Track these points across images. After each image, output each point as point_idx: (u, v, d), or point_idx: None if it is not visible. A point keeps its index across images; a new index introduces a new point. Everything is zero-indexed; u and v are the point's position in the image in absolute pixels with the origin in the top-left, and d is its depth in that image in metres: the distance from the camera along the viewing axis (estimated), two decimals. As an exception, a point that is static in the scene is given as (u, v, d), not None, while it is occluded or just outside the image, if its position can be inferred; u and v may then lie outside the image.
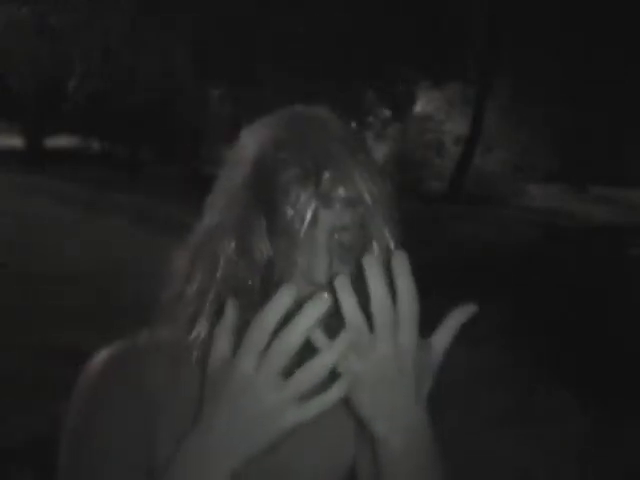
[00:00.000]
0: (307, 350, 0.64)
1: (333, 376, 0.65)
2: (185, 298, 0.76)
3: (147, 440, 0.76)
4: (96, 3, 12.54)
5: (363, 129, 14.65)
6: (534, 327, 5.67)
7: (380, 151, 15.10)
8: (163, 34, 12.54)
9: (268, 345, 0.63)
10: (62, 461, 0.76)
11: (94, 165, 14.46)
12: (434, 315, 0.75)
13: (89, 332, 3.75)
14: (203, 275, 0.75)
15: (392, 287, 0.65)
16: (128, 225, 8.85)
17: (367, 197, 0.72)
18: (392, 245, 0.73)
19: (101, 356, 0.78)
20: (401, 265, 0.65)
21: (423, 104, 16.93)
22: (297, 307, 0.62)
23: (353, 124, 0.80)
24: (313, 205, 0.70)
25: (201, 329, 0.74)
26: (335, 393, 0.65)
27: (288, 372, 0.63)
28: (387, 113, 16.35)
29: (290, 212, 0.70)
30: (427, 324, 0.73)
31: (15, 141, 15.74)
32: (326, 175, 0.71)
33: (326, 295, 0.63)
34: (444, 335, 0.71)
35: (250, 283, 0.72)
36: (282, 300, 0.62)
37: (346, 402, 0.67)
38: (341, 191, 0.71)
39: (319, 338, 0.65)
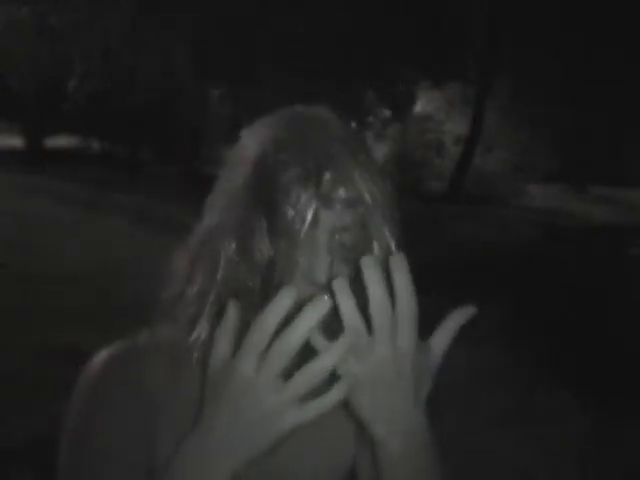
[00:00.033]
0: (307, 352, 0.64)
1: (332, 378, 0.65)
2: (186, 299, 0.76)
3: (147, 440, 0.76)
4: (96, 3, 12.54)
5: (363, 129, 14.65)
6: (534, 327, 5.67)
7: (380, 151, 15.10)
8: (163, 34, 12.55)
9: (268, 347, 0.63)
10: (62, 461, 0.76)
11: (94, 165, 14.46)
12: (434, 316, 0.75)
13: (89, 332, 3.75)
14: (204, 276, 0.75)
15: (391, 288, 0.65)
16: (128, 225, 8.85)
17: (367, 197, 0.72)
18: (393, 245, 0.73)
19: (101, 356, 0.78)
20: (399, 267, 0.65)
21: (423, 104, 16.93)
22: (297, 308, 0.62)
23: (353, 124, 0.80)
24: (314, 206, 0.70)
25: (202, 330, 0.74)
26: (334, 395, 0.65)
27: (288, 374, 0.63)
28: (387, 113, 16.35)
29: (291, 213, 0.70)
30: (427, 325, 0.73)
31: (15, 141, 15.74)
32: (327, 176, 0.71)
33: (326, 297, 0.63)
34: (443, 337, 0.71)
35: (251, 284, 0.71)
36: (282, 302, 0.62)
37: (346, 404, 0.67)
38: (342, 192, 0.71)
39: (318, 341, 0.65)
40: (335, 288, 0.64)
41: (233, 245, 0.72)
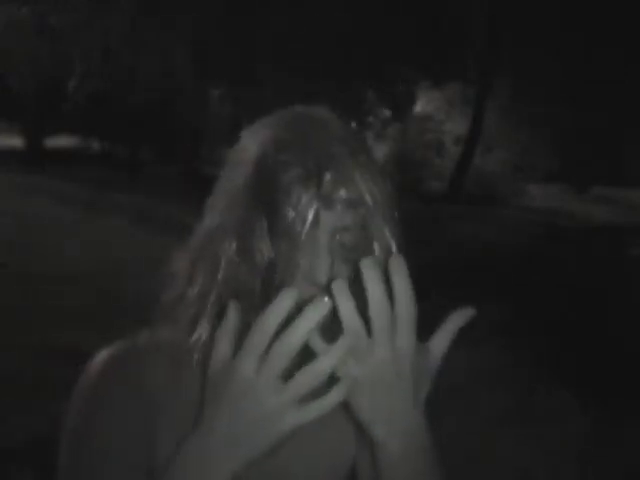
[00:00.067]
0: (307, 353, 0.64)
1: (332, 380, 0.65)
2: (186, 300, 0.76)
3: (147, 440, 0.76)
4: (96, 3, 12.55)
5: (363, 129, 14.65)
6: (534, 327, 5.67)
7: (380, 151, 15.10)
8: (163, 34, 12.55)
9: (269, 348, 0.63)
10: (62, 461, 0.76)
11: (94, 165, 14.46)
12: (433, 316, 0.75)
13: (89, 332, 3.75)
14: (204, 277, 0.75)
15: (391, 290, 0.65)
16: (128, 225, 8.85)
17: (368, 198, 0.72)
18: (393, 245, 0.73)
19: (101, 356, 0.78)
20: (398, 269, 0.65)
21: (423, 104, 16.94)
22: (298, 309, 0.62)
23: (353, 124, 0.80)
24: (314, 206, 0.70)
25: (202, 331, 0.74)
26: (334, 397, 0.65)
27: (288, 375, 0.63)
28: (387, 113, 16.36)
29: (291, 213, 0.70)
30: (426, 326, 0.73)
31: (15, 141, 15.75)
32: (327, 176, 0.70)
33: (326, 298, 0.63)
34: (442, 339, 0.71)
35: (251, 285, 0.71)
36: (283, 303, 0.62)
37: (346, 405, 0.68)
38: (342, 192, 0.71)
39: (317, 343, 0.65)
40: (334, 290, 0.64)
41: (234, 246, 0.72)
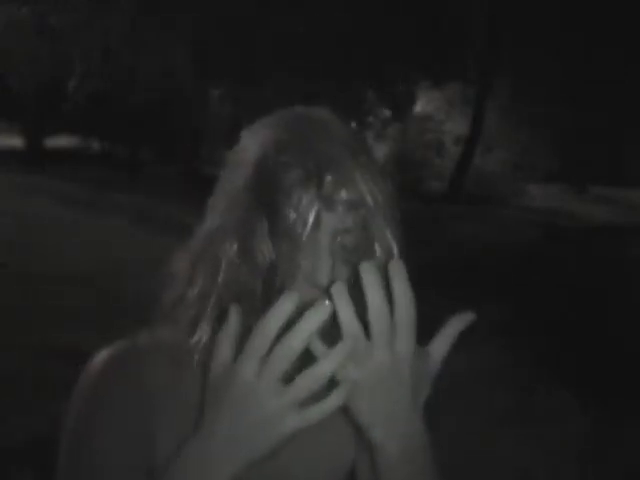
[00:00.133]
0: (308, 356, 0.64)
1: (332, 383, 0.65)
2: (187, 301, 0.76)
3: (147, 440, 0.76)
4: (96, 3, 12.55)
5: (363, 129, 14.66)
6: (534, 327, 5.67)
7: (380, 151, 15.10)
8: (163, 34, 12.55)
9: (269, 351, 0.63)
10: (62, 461, 0.76)
11: (94, 165, 14.47)
12: (434, 317, 0.75)
13: (89, 332, 3.76)
14: (205, 278, 0.74)
15: (390, 294, 0.65)
16: (128, 225, 8.85)
17: (369, 199, 0.72)
18: (394, 247, 0.73)
19: (101, 356, 0.78)
20: (398, 273, 0.65)
21: (423, 104, 16.94)
22: (298, 312, 0.62)
23: (353, 124, 0.80)
24: (315, 208, 0.70)
25: (202, 333, 0.74)
26: (334, 400, 0.65)
27: (289, 378, 0.63)
28: (387, 113, 16.36)
29: (292, 215, 0.70)
30: (427, 326, 0.73)
31: (15, 141, 15.75)
32: (328, 178, 0.70)
33: (327, 302, 0.63)
34: (442, 343, 0.71)
35: (252, 287, 0.71)
36: (284, 306, 0.62)
37: (345, 409, 0.68)
38: (343, 194, 0.71)
39: (317, 346, 0.65)
40: (334, 293, 0.64)
41: (234, 247, 0.72)
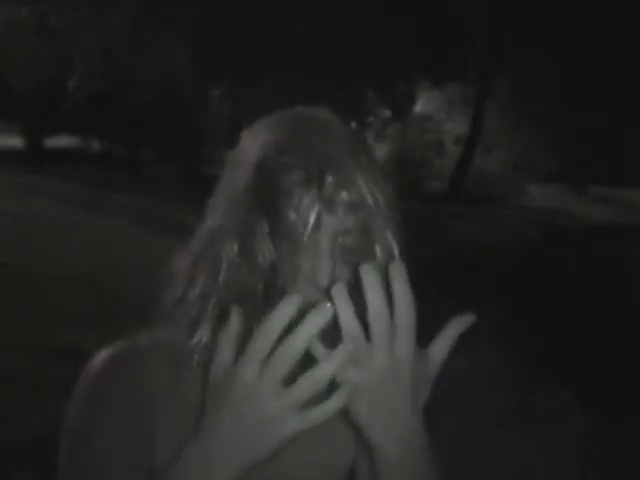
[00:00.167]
0: (309, 358, 0.64)
1: (332, 385, 0.65)
2: (187, 301, 0.76)
3: (147, 440, 0.76)
4: (96, 3, 12.55)
5: (363, 129, 14.66)
6: (534, 327, 5.67)
7: (380, 151, 15.10)
8: (163, 34, 12.55)
9: (270, 353, 0.63)
10: (62, 461, 0.76)
11: (94, 165, 14.47)
12: (434, 317, 0.75)
13: (89, 332, 3.76)
14: (205, 278, 0.74)
15: (390, 296, 0.65)
16: (128, 225, 8.85)
17: (370, 200, 0.72)
18: (395, 248, 0.73)
19: (101, 356, 0.78)
20: (399, 275, 0.65)
21: (423, 104, 16.94)
22: (300, 313, 0.62)
23: (353, 124, 0.80)
24: (316, 209, 0.70)
25: (203, 333, 0.74)
26: (335, 403, 0.65)
27: (290, 380, 0.63)
28: (387, 113, 16.36)
29: (293, 216, 0.70)
30: (427, 327, 0.73)
31: (15, 141, 15.75)
32: (329, 179, 0.70)
33: (329, 304, 0.63)
34: (442, 346, 0.71)
35: (253, 287, 0.71)
36: (286, 309, 0.62)
37: (345, 410, 0.68)
38: (344, 195, 0.71)
39: (318, 349, 0.65)
40: (334, 295, 0.64)
41: (235, 247, 0.72)
